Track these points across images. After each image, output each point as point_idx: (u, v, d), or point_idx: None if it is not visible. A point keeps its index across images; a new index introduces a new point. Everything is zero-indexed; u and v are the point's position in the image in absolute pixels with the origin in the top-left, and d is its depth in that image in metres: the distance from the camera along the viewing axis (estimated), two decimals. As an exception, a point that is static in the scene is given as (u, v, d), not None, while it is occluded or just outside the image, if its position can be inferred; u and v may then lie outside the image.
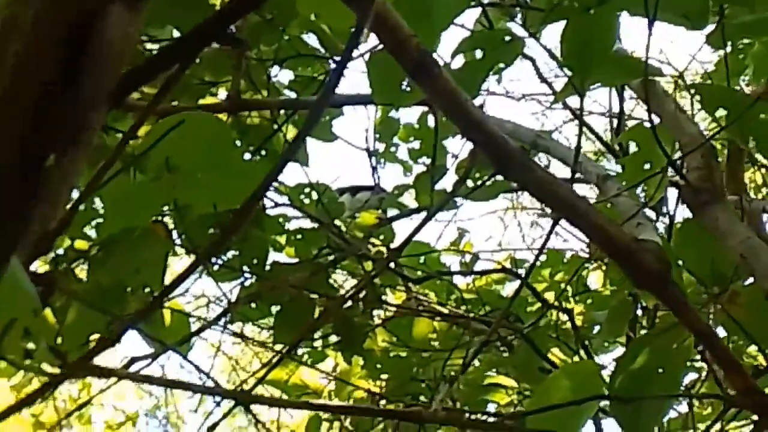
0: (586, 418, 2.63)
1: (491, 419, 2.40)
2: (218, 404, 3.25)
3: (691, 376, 4.25)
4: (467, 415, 2.86)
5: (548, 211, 4.64)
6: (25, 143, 0.71)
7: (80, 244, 3.19)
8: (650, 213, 3.71)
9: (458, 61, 2.31)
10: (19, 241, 0.75)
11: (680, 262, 2.64)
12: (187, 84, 3.20)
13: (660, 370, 2.51)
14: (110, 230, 2.26)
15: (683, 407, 4.10)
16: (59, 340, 2.38)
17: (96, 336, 2.40)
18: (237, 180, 1.84)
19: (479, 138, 1.65)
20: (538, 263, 3.94)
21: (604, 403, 3.14)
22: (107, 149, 2.14)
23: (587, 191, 3.59)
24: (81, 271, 3.21)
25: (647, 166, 2.49)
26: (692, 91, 2.92)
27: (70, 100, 0.76)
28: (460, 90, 1.59)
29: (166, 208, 3.30)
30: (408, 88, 2.09)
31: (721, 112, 2.54)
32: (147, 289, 2.67)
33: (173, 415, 6.49)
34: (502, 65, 2.41)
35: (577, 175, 2.46)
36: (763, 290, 1.98)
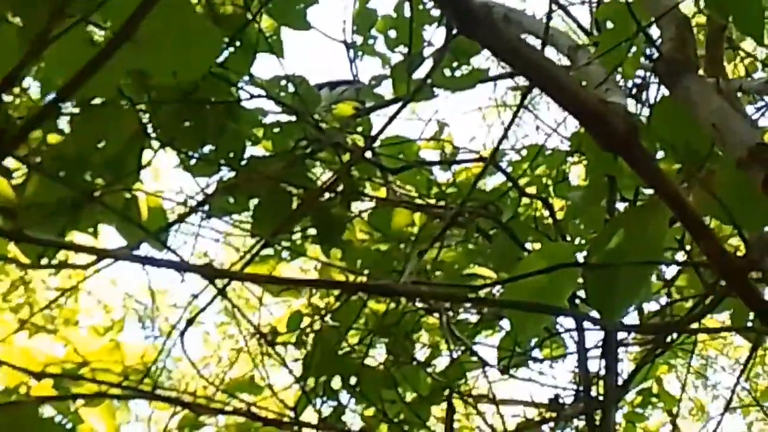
0: (564, 294, 2.64)
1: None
2: (195, 297, 3.25)
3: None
4: (438, 288, 2.86)
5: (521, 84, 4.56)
6: None
7: (53, 138, 3.15)
8: (630, 101, 3.69)
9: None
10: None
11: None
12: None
13: (635, 250, 2.51)
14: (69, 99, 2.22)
15: (663, 300, 4.13)
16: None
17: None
18: (198, 47, 1.81)
19: (442, -6, 1.61)
20: (519, 157, 3.93)
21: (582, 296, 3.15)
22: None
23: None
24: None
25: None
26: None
27: None
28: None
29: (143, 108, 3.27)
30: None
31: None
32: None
33: (162, 325, 6.53)
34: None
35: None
36: (732, 159, 1.96)
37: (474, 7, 1.60)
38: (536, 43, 2.74)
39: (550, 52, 2.48)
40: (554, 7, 3.55)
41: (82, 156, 2.48)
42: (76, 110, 3.03)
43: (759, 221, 2.36)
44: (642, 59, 2.70)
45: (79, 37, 1.84)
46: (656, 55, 2.20)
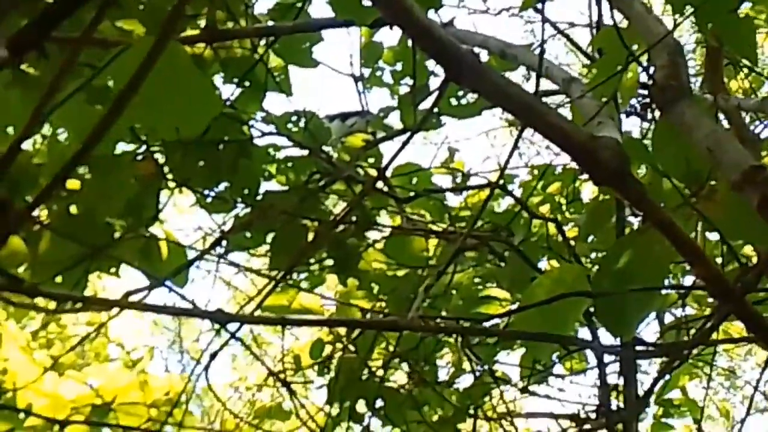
0: (573, 319, 2.68)
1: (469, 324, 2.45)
2: (218, 332, 3.33)
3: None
4: (446, 322, 2.91)
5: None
6: None
7: (73, 185, 3.24)
8: (635, 119, 3.73)
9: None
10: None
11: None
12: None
13: (643, 269, 2.55)
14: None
15: (679, 311, 4.15)
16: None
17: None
18: (198, 102, 1.87)
19: (428, 45, 1.68)
20: (529, 177, 3.98)
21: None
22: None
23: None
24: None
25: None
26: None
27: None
28: (406, -3, 1.61)
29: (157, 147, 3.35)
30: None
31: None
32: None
33: (192, 349, 6.60)
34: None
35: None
36: (728, 182, 2.00)
37: (459, 54, 1.66)
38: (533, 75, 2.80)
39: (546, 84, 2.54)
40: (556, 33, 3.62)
41: (95, 208, 2.55)
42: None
43: (760, 238, 2.41)
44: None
45: (81, 97, 1.91)
46: (650, 81, 2.25)
